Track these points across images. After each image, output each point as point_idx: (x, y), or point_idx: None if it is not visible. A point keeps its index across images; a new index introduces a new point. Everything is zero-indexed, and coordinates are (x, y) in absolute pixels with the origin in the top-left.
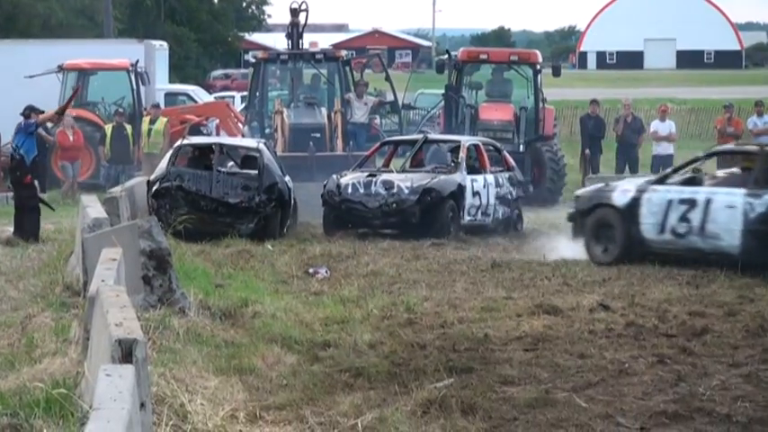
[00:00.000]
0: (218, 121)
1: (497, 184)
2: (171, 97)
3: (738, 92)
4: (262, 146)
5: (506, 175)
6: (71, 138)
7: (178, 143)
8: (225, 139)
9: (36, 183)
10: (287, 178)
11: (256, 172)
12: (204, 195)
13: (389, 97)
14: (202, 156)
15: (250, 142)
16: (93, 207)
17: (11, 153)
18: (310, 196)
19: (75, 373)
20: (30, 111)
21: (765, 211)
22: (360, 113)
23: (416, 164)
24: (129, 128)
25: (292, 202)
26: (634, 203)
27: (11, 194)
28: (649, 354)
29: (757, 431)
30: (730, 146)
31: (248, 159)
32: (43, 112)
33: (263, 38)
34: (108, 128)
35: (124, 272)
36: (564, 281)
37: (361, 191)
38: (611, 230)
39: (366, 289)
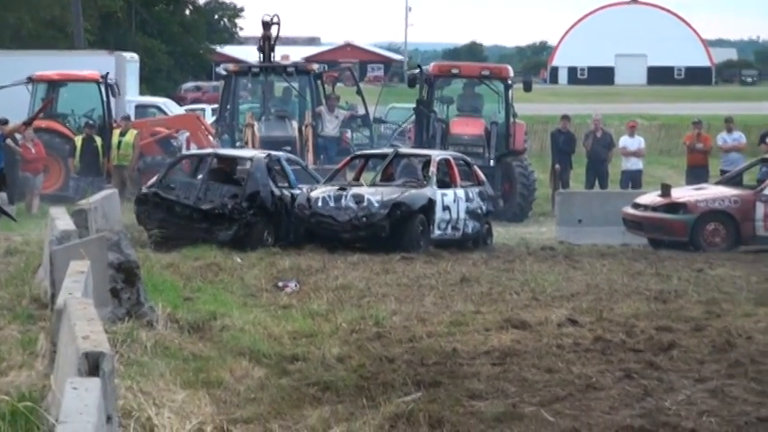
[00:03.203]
0: (188, 133)
1: (467, 199)
2: (141, 109)
3: (708, 108)
4: (258, 156)
5: (476, 189)
6: (32, 150)
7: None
8: (224, 151)
9: (3, 194)
10: (298, 189)
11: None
12: (178, 202)
13: (361, 111)
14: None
15: (248, 153)
16: (61, 219)
17: None
18: None
19: (41, 386)
20: None
21: None
22: (331, 127)
23: (387, 178)
24: (98, 140)
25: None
26: None
27: None
28: (616, 368)
29: None
30: None
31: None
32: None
33: (235, 50)
34: (77, 140)
35: (92, 284)
36: (532, 295)
37: (332, 204)
38: None
39: (335, 302)
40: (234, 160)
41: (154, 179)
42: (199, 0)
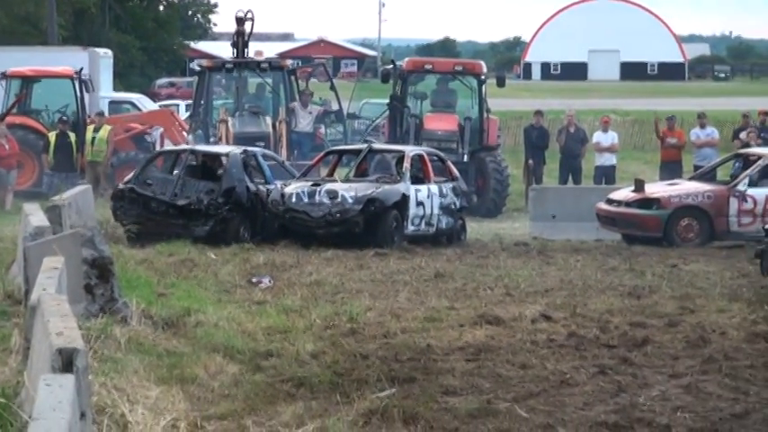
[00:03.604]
0: (162, 129)
1: (441, 194)
2: (115, 105)
3: (682, 103)
4: (234, 152)
5: (450, 185)
6: (6, 146)
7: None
8: (200, 147)
9: None
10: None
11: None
12: (155, 198)
13: (334, 106)
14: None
15: (224, 149)
16: (35, 215)
17: None
18: None
19: (15, 383)
20: None
21: None
22: (304, 122)
23: (361, 173)
24: (72, 136)
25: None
26: None
27: None
28: (590, 364)
29: None
30: None
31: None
32: None
33: (209, 46)
34: (51, 136)
35: (66, 280)
36: (506, 291)
37: (306, 200)
38: None
39: (309, 298)
40: (210, 156)
41: (130, 175)
42: None
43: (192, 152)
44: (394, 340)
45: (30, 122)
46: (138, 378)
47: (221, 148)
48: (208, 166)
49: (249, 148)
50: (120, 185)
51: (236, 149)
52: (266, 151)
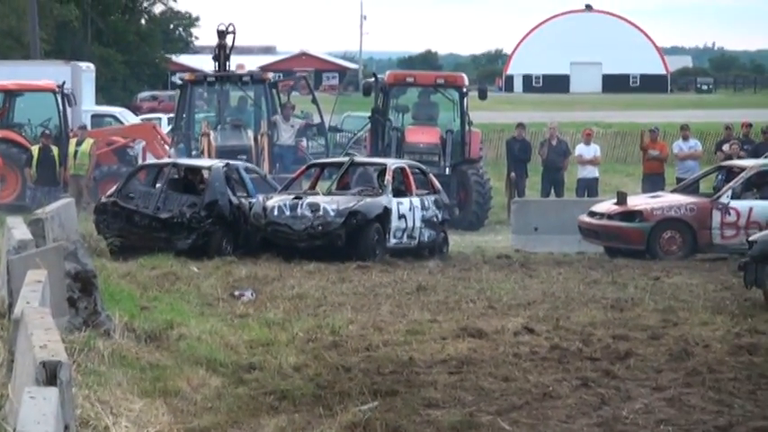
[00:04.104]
0: (144, 143)
1: (423, 207)
2: (98, 119)
3: (664, 116)
4: (216, 165)
5: (432, 198)
6: None
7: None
8: (183, 160)
9: None
10: (259, 198)
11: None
12: (137, 211)
13: (316, 120)
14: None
15: (207, 163)
16: (18, 228)
17: None
18: None
19: None
20: None
21: None
22: (286, 136)
23: (343, 186)
24: (55, 149)
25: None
26: None
27: None
28: (573, 377)
29: None
30: None
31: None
32: None
33: (191, 60)
34: (34, 149)
35: (49, 294)
36: (489, 304)
37: (287, 213)
38: None
39: (291, 311)
40: (192, 170)
41: (113, 189)
42: (154, 9)
43: (175, 165)
44: (376, 353)
45: (12, 136)
46: (121, 391)
47: (203, 162)
48: (190, 180)
49: (231, 162)
50: (103, 199)
51: (218, 163)
52: (248, 165)
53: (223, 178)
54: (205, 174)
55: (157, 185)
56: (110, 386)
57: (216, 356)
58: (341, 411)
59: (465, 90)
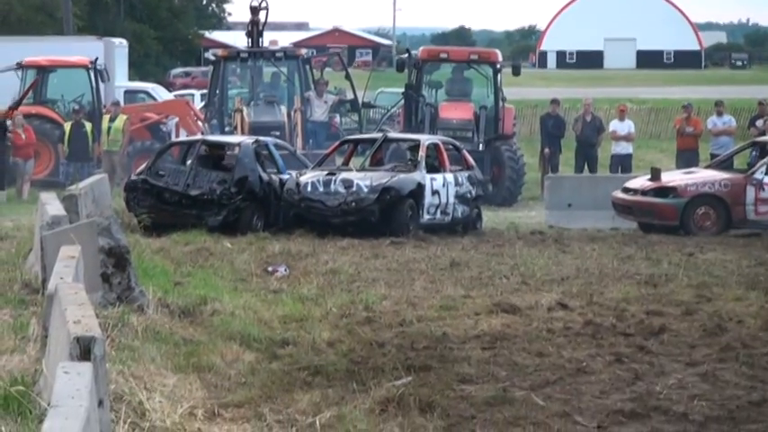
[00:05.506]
0: (177, 119)
1: (457, 183)
2: (130, 95)
3: (698, 92)
4: (246, 142)
5: (466, 174)
6: (23, 136)
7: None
8: (212, 137)
9: None
10: (286, 174)
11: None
12: (167, 188)
13: (349, 96)
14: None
15: (236, 139)
16: (51, 204)
17: None
18: None
19: (33, 371)
20: None
21: None
22: (320, 112)
23: (376, 162)
24: (88, 125)
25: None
26: None
27: None
28: (607, 352)
29: (713, 430)
30: None
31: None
32: None
33: (224, 36)
34: (67, 125)
35: (83, 269)
36: (522, 279)
37: (321, 189)
38: None
39: (325, 287)
40: (222, 146)
41: (143, 166)
42: None
43: (204, 142)
44: (410, 329)
45: (46, 112)
46: (155, 366)
47: (233, 139)
48: (220, 157)
49: (261, 138)
50: (133, 176)
51: (247, 139)
52: (278, 141)
53: (253, 154)
54: (235, 150)
55: (187, 162)
56: (143, 361)
57: (249, 332)
58: (374, 387)
59: (498, 66)
